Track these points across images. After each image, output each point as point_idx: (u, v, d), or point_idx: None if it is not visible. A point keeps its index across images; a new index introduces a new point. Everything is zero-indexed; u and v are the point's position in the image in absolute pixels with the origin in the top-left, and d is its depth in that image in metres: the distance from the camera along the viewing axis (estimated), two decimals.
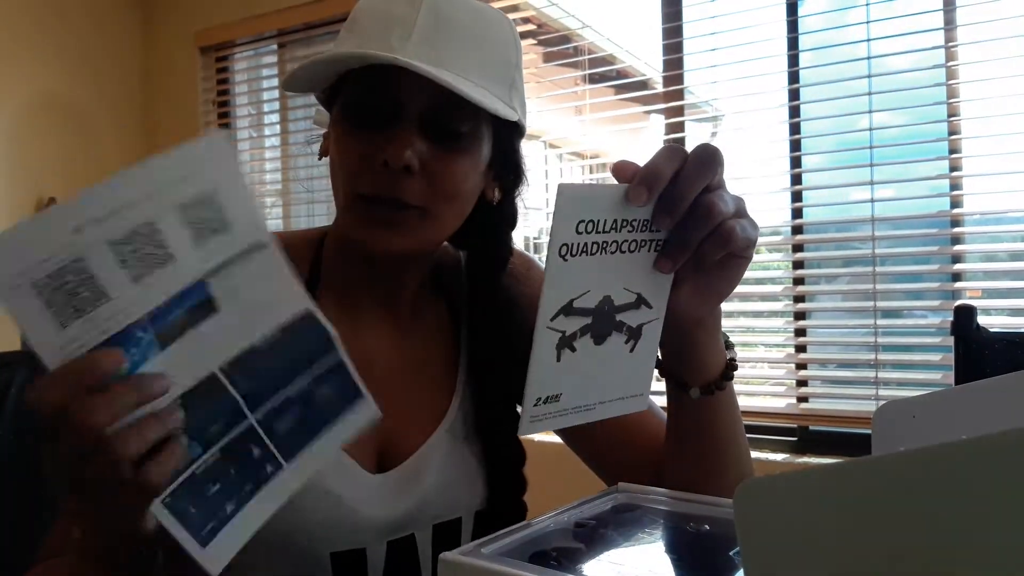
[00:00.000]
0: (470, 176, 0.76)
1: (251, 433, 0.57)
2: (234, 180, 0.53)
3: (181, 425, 0.51)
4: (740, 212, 0.62)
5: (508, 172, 0.83)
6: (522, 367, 0.56)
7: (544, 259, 0.58)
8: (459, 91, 0.69)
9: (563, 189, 0.54)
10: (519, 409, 0.58)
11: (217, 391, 0.55)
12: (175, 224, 0.50)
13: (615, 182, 0.58)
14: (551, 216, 0.54)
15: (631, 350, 0.63)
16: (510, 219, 0.86)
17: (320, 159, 0.83)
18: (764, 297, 2.46)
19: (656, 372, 0.74)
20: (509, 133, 0.80)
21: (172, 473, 0.51)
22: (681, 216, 0.59)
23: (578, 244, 0.55)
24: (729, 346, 0.75)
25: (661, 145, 0.63)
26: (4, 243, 0.45)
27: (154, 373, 0.50)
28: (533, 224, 2.84)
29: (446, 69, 0.70)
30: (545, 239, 2.87)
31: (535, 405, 0.57)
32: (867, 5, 2.18)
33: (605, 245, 0.57)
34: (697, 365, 0.72)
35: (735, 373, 0.74)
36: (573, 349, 0.58)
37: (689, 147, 0.60)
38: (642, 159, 0.59)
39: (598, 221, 0.56)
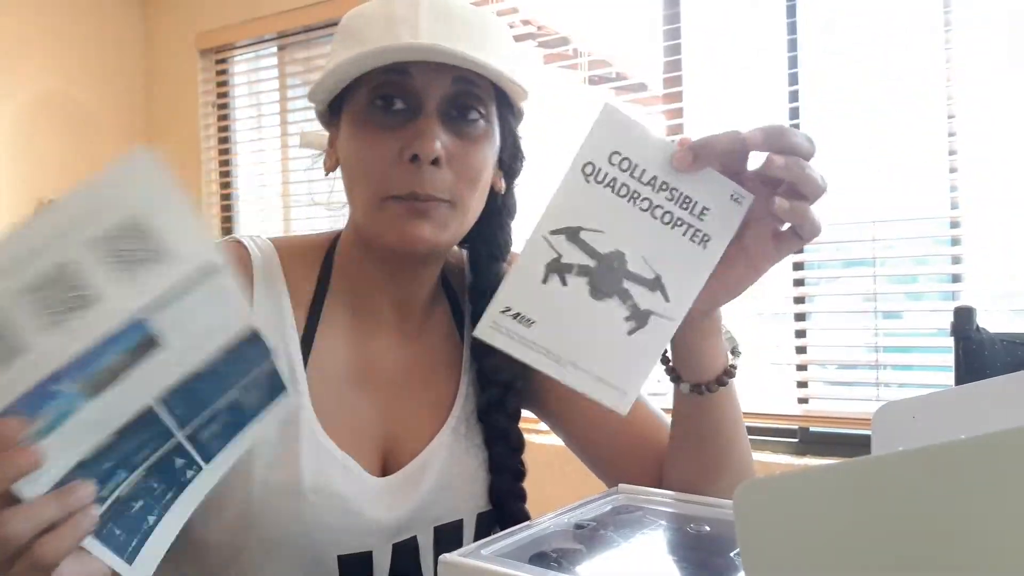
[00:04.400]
0: (489, 163, 0.78)
1: (177, 448, 0.56)
2: (165, 201, 0.48)
3: (93, 497, 0.49)
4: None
5: (513, 159, 0.84)
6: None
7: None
8: (489, 66, 0.70)
9: (607, 109, 0.51)
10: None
11: (151, 422, 0.53)
12: (92, 261, 0.46)
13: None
14: (588, 129, 0.52)
15: (629, 332, 0.58)
16: (511, 209, 0.88)
17: (327, 175, 0.83)
18: (765, 297, 2.46)
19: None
20: (512, 119, 0.82)
21: (97, 499, 0.50)
22: (743, 141, 0.57)
23: (606, 173, 0.53)
24: (736, 353, 0.75)
25: None
26: None
27: (79, 483, 0.48)
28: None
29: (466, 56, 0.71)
30: None
31: (502, 312, 0.54)
32: (867, 5, 2.18)
33: (636, 195, 0.55)
34: (688, 362, 0.72)
35: (732, 382, 0.74)
36: (564, 282, 0.55)
37: None
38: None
39: (635, 164, 0.53)
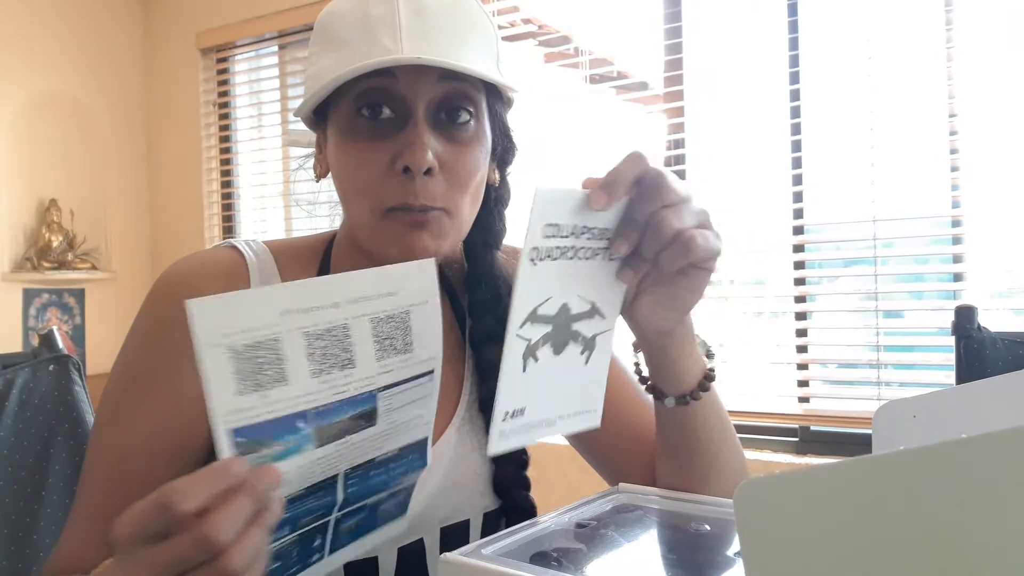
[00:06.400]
0: (483, 164, 0.76)
1: (325, 526, 0.58)
2: (430, 308, 0.58)
3: (277, 482, 0.50)
4: (703, 225, 0.62)
5: (506, 150, 0.83)
6: None
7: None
8: (480, 74, 0.70)
9: (539, 192, 0.53)
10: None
11: (331, 490, 0.56)
12: (365, 333, 0.54)
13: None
14: (528, 219, 0.54)
15: (586, 362, 0.62)
16: (505, 198, 0.87)
17: (318, 181, 0.82)
18: (765, 297, 2.46)
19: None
20: (501, 109, 0.80)
21: None
22: (635, 242, 0.60)
23: (544, 248, 0.55)
24: (710, 355, 0.74)
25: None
26: (222, 305, 0.47)
27: (266, 467, 0.50)
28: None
29: (450, 58, 0.69)
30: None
31: (503, 420, 0.57)
32: (868, 3, 2.18)
33: (565, 250, 0.57)
34: (669, 375, 0.72)
35: (713, 385, 0.74)
36: (536, 359, 0.57)
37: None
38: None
39: (562, 226, 0.55)
